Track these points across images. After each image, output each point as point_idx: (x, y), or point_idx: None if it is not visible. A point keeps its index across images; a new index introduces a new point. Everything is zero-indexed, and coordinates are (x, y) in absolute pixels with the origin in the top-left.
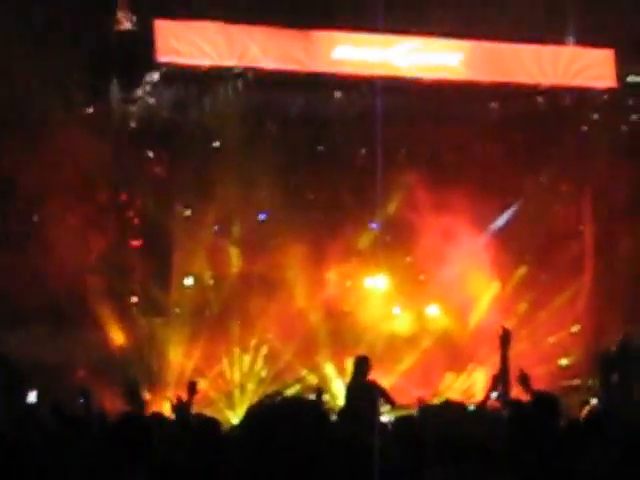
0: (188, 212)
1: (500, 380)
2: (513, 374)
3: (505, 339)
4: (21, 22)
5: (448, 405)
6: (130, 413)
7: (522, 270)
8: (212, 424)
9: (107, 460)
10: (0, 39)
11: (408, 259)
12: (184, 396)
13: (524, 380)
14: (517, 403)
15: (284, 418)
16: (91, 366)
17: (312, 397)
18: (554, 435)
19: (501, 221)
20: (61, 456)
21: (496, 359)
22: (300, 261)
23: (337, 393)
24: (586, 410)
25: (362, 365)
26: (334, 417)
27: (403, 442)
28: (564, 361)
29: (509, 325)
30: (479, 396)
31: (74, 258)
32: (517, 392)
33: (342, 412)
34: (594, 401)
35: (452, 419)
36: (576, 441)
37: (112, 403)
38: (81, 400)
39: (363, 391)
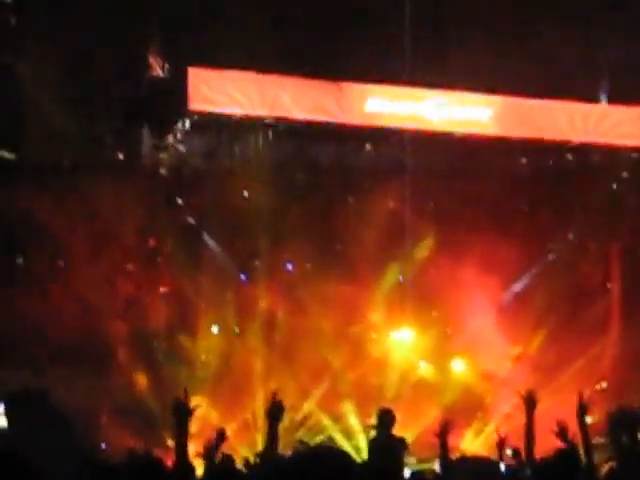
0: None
1: (526, 442)
2: (549, 428)
3: (530, 402)
4: (56, 67)
5: (466, 460)
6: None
7: (548, 327)
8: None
9: None
10: (37, 84)
11: (434, 313)
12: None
13: (563, 433)
14: (540, 465)
15: (312, 467)
16: (113, 411)
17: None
18: None
19: (528, 277)
20: None
21: (516, 417)
22: (327, 311)
23: (361, 445)
24: (606, 469)
25: (386, 418)
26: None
27: None
28: (588, 419)
29: (533, 383)
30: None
31: (100, 302)
32: (543, 449)
33: (365, 466)
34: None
35: (474, 475)
36: None
37: (134, 446)
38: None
39: (387, 445)
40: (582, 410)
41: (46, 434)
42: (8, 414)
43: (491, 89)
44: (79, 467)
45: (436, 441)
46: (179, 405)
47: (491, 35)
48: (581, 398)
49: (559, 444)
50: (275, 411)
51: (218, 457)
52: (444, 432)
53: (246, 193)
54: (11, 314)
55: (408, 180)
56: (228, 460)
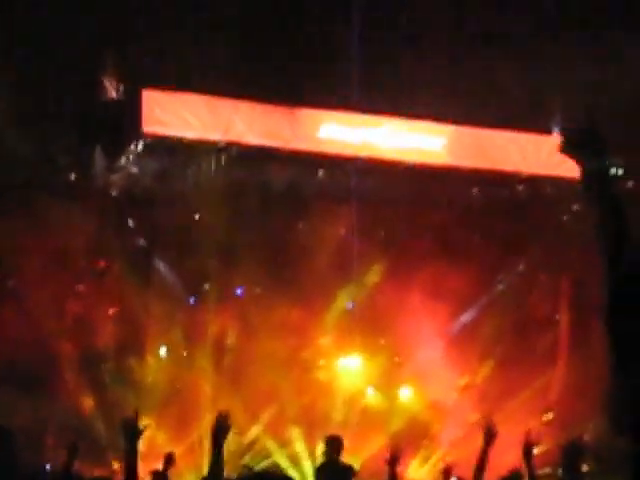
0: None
1: (477, 470)
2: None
3: (488, 432)
4: (6, 85)
5: None
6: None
7: (496, 357)
8: None
9: None
10: None
11: (382, 340)
12: (158, 467)
13: (529, 453)
14: None
15: None
16: (58, 432)
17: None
18: None
19: (477, 307)
20: None
21: (461, 446)
22: (277, 336)
23: (307, 472)
24: None
25: (334, 445)
26: None
27: None
28: (535, 450)
29: (480, 413)
30: None
31: (49, 322)
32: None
33: None
34: None
35: None
36: None
37: (80, 468)
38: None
39: (335, 472)
40: (529, 448)
41: None
42: None
43: (444, 118)
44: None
45: (384, 468)
46: (129, 424)
47: (445, 65)
48: (528, 436)
49: (503, 474)
50: (220, 430)
51: None
52: (394, 460)
53: (197, 216)
54: None
55: (359, 207)
56: None
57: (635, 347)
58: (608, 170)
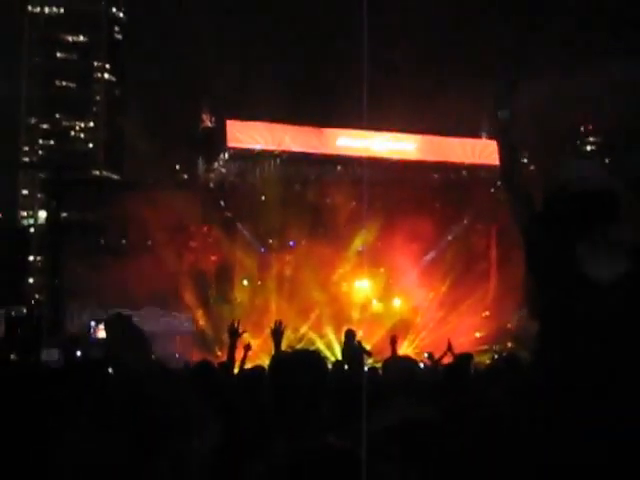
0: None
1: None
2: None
3: (393, 340)
4: (143, 117)
5: (397, 358)
6: (205, 363)
7: (451, 278)
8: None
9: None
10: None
11: (381, 269)
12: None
13: (450, 347)
14: (446, 366)
15: (299, 361)
16: (184, 335)
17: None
18: (468, 378)
19: (439, 248)
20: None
21: (431, 335)
22: (316, 269)
23: (337, 353)
24: (489, 362)
25: (351, 334)
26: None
27: (375, 381)
28: (478, 334)
29: (443, 313)
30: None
31: (173, 266)
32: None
33: (338, 362)
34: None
35: (404, 368)
36: (481, 382)
37: (197, 358)
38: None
39: (352, 350)
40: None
41: (132, 343)
42: (107, 329)
43: (414, 130)
44: (155, 369)
45: (387, 348)
46: (232, 328)
47: (414, 90)
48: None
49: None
50: (277, 331)
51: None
52: (393, 342)
53: (263, 197)
54: (122, 275)
55: (363, 188)
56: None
57: (538, 257)
58: (516, 150)
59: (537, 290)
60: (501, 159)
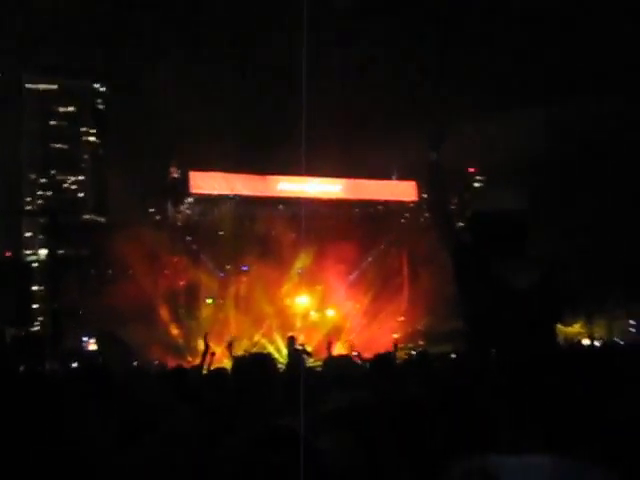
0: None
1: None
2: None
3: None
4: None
5: (334, 357)
6: (180, 367)
7: (372, 292)
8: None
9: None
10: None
11: (318, 287)
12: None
13: (359, 354)
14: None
15: (254, 362)
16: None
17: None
18: (392, 368)
19: (361, 267)
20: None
21: (358, 337)
22: (265, 288)
23: (284, 354)
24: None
25: (292, 339)
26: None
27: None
28: (395, 335)
29: (366, 319)
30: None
31: (150, 289)
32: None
33: (285, 363)
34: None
35: (342, 363)
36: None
37: (171, 363)
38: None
39: (294, 353)
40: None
41: (118, 353)
42: (98, 343)
43: (339, 174)
44: (136, 374)
45: (324, 349)
46: (205, 341)
47: (339, 140)
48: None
49: (378, 352)
50: (230, 346)
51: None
52: (329, 345)
53: (221, 232)
54: (110, 298)
55: (301, 221)
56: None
57: (466, 273)
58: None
59: (465, 300)
60: (431, 193)
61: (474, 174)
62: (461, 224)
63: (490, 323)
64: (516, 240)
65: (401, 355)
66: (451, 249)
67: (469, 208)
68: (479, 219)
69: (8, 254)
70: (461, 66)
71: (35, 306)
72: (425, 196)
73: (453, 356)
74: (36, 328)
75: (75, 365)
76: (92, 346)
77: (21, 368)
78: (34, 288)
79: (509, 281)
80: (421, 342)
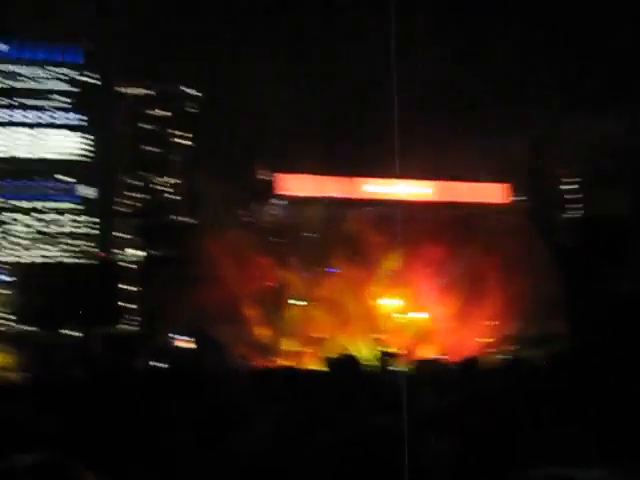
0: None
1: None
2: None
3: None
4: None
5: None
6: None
7: (462, 295)
8: None
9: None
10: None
11: (407, 289)
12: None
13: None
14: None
15: (345, 363)
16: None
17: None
18: (481, 372)
19: (451, 271)
20: None
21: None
22: (352, 290)
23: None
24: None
25: (381, 343)
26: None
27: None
28: (485, 339)
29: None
30: None
31: (238, 290)
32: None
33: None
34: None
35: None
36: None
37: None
38: None
39: (383, 355)
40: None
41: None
42: (194, 341)
43: (431, 177)
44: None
45: (413, 352)
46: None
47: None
48: None
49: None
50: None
51: None
52: (418, 347)
53: (309, 234)
54: (198, 298)
55: (390, 223)
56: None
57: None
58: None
59: (569, 303)
60: (532, 198)
61: (575, 178)
62: (563, 228)
63: (592, 326)
64: (621, 245)
65: (491, 359)
66: (553, 253)
67: (573, 212)
68: (585, 224)
69: (102, 255)
70: (564, 68)
71: (128, 305)
72: (517, 199)
73: (543, 362)
74: (129, 327)
75: (166, 364)
76: (181, 343)
77: (113, 365)
78: (127, 288)
79: (612, 285)
80: (512, 347)
